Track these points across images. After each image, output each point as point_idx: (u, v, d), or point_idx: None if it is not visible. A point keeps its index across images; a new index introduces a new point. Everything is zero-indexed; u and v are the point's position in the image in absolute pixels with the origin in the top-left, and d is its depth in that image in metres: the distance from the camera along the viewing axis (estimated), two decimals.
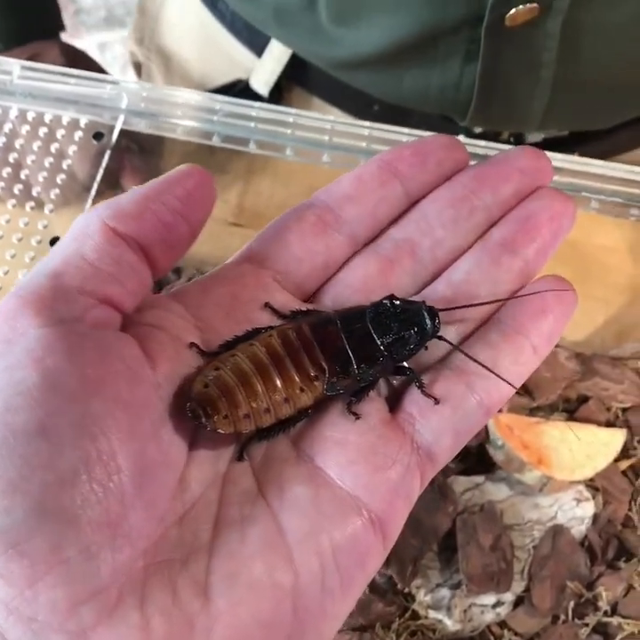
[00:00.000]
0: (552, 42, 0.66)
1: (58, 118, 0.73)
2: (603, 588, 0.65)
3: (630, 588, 0.65)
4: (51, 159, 0.73)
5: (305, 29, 0.74)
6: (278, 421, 0.38)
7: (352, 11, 0.69)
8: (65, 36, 0.94)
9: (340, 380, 0.39)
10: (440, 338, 0.40)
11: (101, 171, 0.72)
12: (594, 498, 0.69)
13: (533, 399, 0.72)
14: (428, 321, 0.40)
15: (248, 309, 0.40)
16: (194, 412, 0.35)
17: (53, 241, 0.69)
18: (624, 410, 0.72)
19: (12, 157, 0.73)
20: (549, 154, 0.64)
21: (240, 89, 0.86)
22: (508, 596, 0.65)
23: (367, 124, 0.69)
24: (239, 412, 0.36)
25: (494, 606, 0.65)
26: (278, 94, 0.85)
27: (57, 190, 0.72)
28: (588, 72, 0.70)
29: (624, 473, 0.70)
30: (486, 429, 0.69)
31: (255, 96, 0.84)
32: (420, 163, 0.44)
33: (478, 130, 0.79)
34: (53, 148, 0.73)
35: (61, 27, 0.94)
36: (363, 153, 0.69)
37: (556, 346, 0.72)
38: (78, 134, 0.73)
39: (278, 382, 0.37)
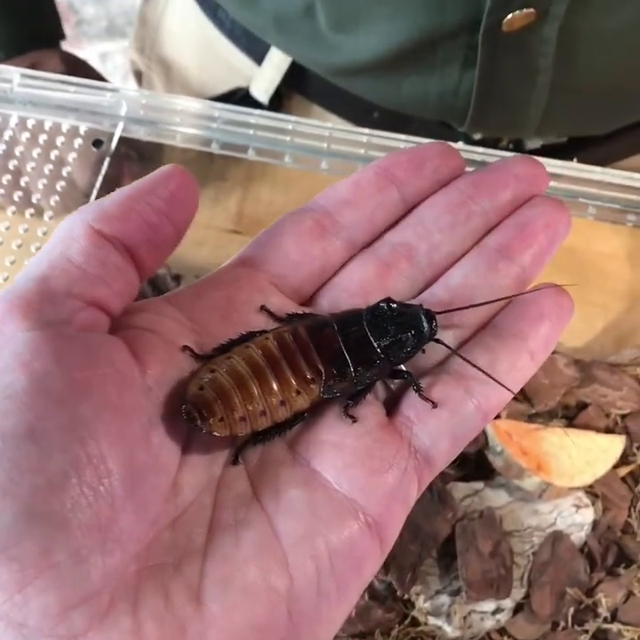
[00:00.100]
0: (549, 47, 0.67)
1: (57, 126, 0.74)
2: (602, 594, 0.65)
3: (630, 594, 0.65)
4: (50, 166, 0.73)
5: (304, 36, 0.74)
6: (274, 424, 0.37)
7: (350, 17, 0.69)
8: (65, 45, 0.95)
9: (336, 382, 0.39)
10: (437, 341, 0.40)
11: (101, 178, 0.72)
12: (593, 504, 0.68)
13: (532, 406, 0.72)
14: (425, 323, 0.40)
15: (244, 312, 0.40)
16: (189, 415, 0.35)
17: None
18: (623, 416, 0.72)
19: (11, 164, 0.74)
20: (547, 160, 0.64)
21: (240, 97, 0.86)
22: (508, 603, 0.65)
23: (365, 131, 0.69)
24: (235, 414, 0.36)
25: (494, 613, 0.64)
26: (278, 102, 0.86)
27: (56, 197, 0.72)
28: (584, 78, 0.71)
29: (623, 479, 0.70)
30: (485, 436, 0.69)
31: (255, 104, 0.85)
32: (416, 169, 0.44)
33: (477, 136, 0.79)
34: (53, 155, 0.73)
35: (62, 36, 0.95)
36: (361, 160, 0.69)
37: (555, 352, 0.72)
38: (78, 142, 0.73)
39: (274, 385, 0.37)
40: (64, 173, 0.73)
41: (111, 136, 0.73)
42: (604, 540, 0.67)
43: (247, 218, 0.82)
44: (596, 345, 0.77)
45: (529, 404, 0.72)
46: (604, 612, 0.64)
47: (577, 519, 0.67)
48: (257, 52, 0.84)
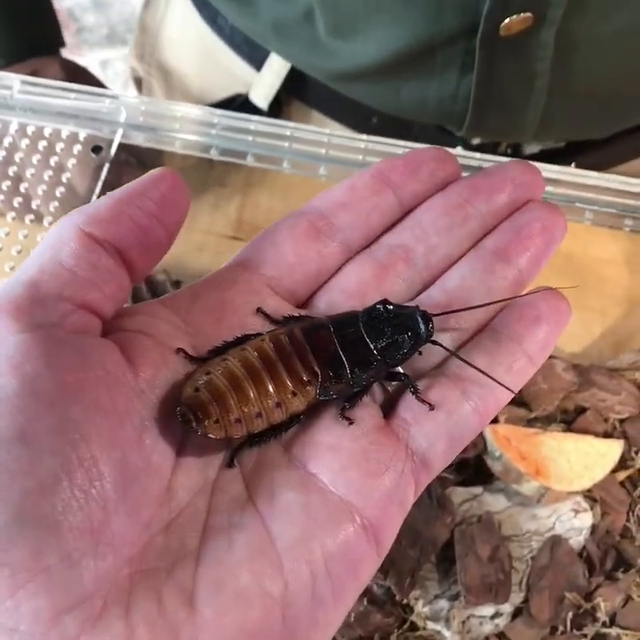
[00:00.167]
0: (546, 51, 0.67)
1: (57, 132, 0.74)
2: (601, 598, 0.65)
3: (628, 598, 0.65)
4: (50, 172, 0.73)
5: (303, 42, 0.74)
6: (270, 426, 0.37)
7: (349, 24, 0.70)
8: (65, 52, 0.95)
9: (333, 384, 0.39)
10: (434, 342, 0.40)
11: (100, 184, 0.72)
12: (592, 509, 0.68)
13: (531, 410, 0.72)
14: (421, 325, 0.40)
15: (240, 314, 0.40)
16: (184, 417, 0.35)
17: None
18: (621, 421, 0.72)
19: (11, 171, 0.74)
20: (544, 165, 0.64)
21: (240, 103, 0.87)
22: (507, 608, 0.65)
23: (363, 137, 0.70)
24: (230, 416, 0.36)
25: (493, 617, 0.64)
26: (278, 108, 0.86)
27: (56, 203, 0.73)
28: (582, 82, 0.71)
29: (622, 484, 0.70)
30: (484, 440, 0.69)
31: (255, 110, 0.85)
32: (412, 173, 0.44)
33: (476, 141, 0.79)
34: (53, 161, 0.74)
35: (62, 43, 0.95)
36: (359, 166, 0.69)
37: (554, 357, 0.72)
38: (77, 148, 0.73)
39: (270, 387, 0.37)
40: (63, 180, 0.73)
41: (111, 142, 0.73)
42: (603, 544, 0.67)
43: (247, 224, 0.82)
44: (594, 350, 0.77)
45: (527, 409, 0.72)
46: (602, 616, 0.64)
47: (575, 523, 0.67)
48: (256, 59, 0.85)
